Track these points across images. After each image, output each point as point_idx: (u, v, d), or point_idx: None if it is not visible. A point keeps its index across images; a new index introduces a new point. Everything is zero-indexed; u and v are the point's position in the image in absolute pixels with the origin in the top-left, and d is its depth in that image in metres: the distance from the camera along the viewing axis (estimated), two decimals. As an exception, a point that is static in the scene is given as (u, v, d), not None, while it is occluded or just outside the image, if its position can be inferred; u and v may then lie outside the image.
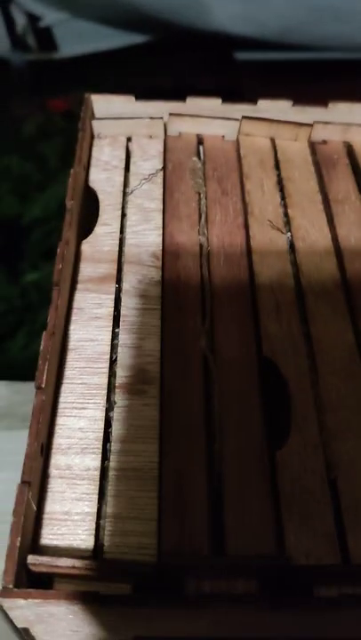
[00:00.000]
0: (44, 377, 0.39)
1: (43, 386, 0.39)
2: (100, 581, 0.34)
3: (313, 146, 0.61)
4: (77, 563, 0.33)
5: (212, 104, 0.61)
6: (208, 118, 0.61)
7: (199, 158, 0.59)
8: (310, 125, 0.61)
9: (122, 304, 0.47)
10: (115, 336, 0.46)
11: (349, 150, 0.61)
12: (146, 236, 0.52)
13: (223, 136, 0.62)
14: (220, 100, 0.61)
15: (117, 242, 0.51)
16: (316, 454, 0.40)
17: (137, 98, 0.61)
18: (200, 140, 0.61)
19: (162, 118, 0.60)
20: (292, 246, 0.52)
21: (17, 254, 1.25)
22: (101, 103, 0.61)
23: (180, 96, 0.60)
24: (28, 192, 1.38)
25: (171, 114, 0.61)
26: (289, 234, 0.53)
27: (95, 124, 0.60)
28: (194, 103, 0.61)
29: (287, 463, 0.39)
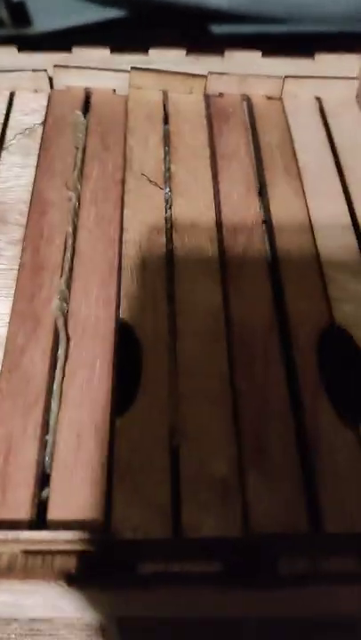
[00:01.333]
0: None
1: None
2: None
3: (209, 99, 0.57)
4: None
5: (101, 55, 0.57)
6: (96, 70, 0.57)
7: (85, 113, 0.56)
8: (204, 77, 0.57)
9: (-25, 265, 0.44)
10: (-36, 299, 0.42)
11: (249, 103, 0.58)
12: (14, 192, 0.49)
13: (115, 90, 0.58)
14: (108, 51, 0.57)
15: (-19, 200, 0.48)
16: (161, 421, 0.37)
17: (20, 50, 0.57)
18: (88, 95, 0.57)
19: (46, 71, 0.56)
20: (169, 202, 0.49)
21: None
22: (-18, 55, 0.57)
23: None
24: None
25: (55, 66, 0.57)
26: (168, 189, 0.49)
27: (-25, 77, 0.56)
28: (81, 54, 0.57)
29: (127, 430, 0.36)
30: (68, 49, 0.57)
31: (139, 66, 0.57)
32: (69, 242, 0.45)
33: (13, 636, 0.36)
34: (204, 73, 0.57)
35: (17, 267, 0.44)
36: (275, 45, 0.61)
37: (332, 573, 0.30)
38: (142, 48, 0.57)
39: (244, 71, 0.57)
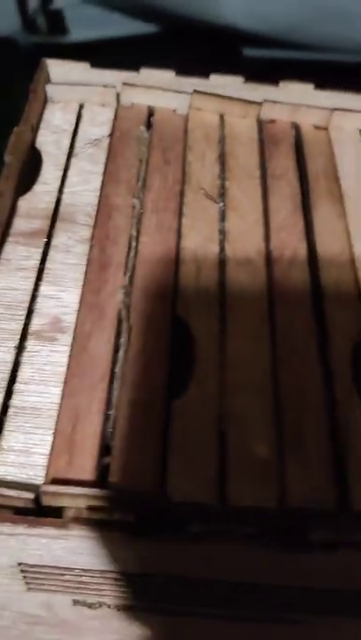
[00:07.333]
0: None
1: None
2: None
3: (261, 124, 0.63)
4: None
5: (166, 76, 0.62)
6: (160, 90, 0.62)
7: (148, 129, 0.61)
8: (259, 104, 0.62)
9: (48, 258, 0.49)
10: (37, 287, 0.47)
11: (297, 131, 0.63)
12: (83, 196, 0.54)
13: (175, 109, 0.63)
14: (173, 73, 0.62)
15: (54, 200, 0.53)
16: (211, 407, 0.42)
17: (93, 66, 0.62)
18: (151, 112, 0.63)
19: (115, 87, 0.62)
20: (223, 215, 0.54)
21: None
22: (58, 68, 0.62)
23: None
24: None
25: (124, 83, 0.62)
26: (222, 203, 0.54)
27: (50, 88, 0.62)
28: (148, 74, 0.63)
29: (182, 413, 0.41)
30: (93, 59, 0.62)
31: (201, 89, 0.62)
32: (133, 244, 0.50)
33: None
34: (260, 100, 0.62)
35: (85, 263, 0.49)
36: (306, 71, 0.66)
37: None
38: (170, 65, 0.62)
39: (296, 101, 0.62)
